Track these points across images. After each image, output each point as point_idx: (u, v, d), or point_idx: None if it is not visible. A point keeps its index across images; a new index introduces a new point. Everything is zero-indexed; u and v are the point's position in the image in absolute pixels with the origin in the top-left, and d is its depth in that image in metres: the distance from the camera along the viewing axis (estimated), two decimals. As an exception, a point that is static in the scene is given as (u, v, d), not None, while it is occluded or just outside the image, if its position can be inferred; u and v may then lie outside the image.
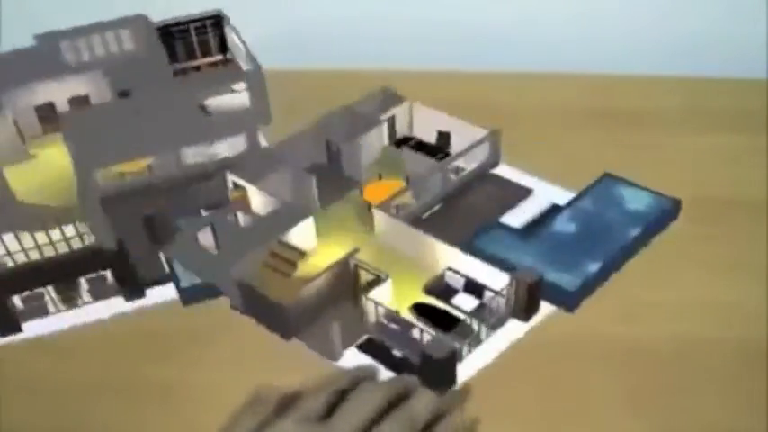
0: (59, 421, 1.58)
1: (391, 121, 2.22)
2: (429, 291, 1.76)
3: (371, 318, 1.67)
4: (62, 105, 2.05)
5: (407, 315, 1.70)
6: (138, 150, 1.91)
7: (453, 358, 1.54)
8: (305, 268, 1.77)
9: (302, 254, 1.77)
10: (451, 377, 1.56)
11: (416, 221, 1.96)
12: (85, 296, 1.86)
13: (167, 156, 1.87)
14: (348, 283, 1.73)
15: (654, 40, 2.61)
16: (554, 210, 2.02)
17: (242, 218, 1.90)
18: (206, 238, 1.85)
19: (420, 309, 1.72)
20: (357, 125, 2.13)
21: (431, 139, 2.24)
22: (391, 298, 1.73)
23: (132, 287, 1.86)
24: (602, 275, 1.83)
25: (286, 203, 1.87)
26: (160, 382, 1.64)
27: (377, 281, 1.69)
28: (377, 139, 2.15)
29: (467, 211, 2.04)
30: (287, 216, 1.83)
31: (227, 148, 1.91)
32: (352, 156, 2.08)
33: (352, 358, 1.66)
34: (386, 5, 2.63)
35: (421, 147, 2.19)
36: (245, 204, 1.95)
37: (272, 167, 1.99)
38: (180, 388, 1.62)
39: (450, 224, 1.99)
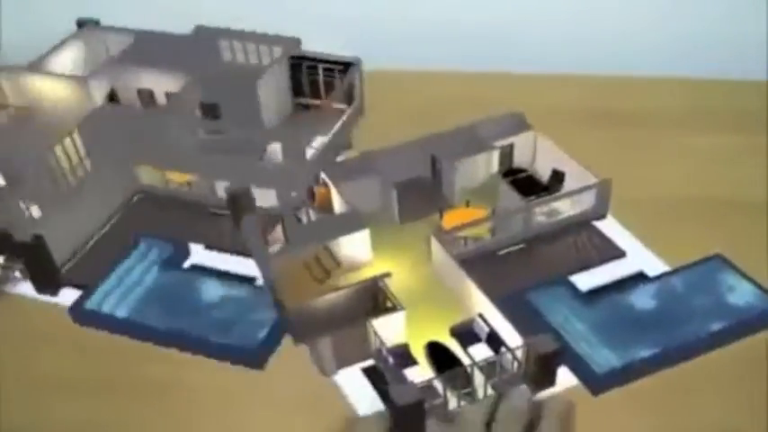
0: (58, 417, 1.63)
1: (508, 150, 2.13)
2: (454, 332, 1.70)
3: (372, 345, 1.65)
4: (160, 96, 2.19)
5: (421, 351, 1.66)
6: (176, 164, 2.03)
7: (419, 408, 1.47)
8: (345, 278, 1.78)
9: (338, 264, 1.78)
10: (417, 428, 1.50)
11: (486, 257, 1.89)
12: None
13: (202, 180, 2.00)
14: (371, 305, 1.72)
15: (654, 42, 2.55)
16: (639, 279, 1.84)
17: (312, 215, 1.94)
18: (275, 228, 1.92)
19: (433, 348, 1.66)
20: (469, 146, 2.08)
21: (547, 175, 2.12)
22: (414, 331, 1.69)
23: (45, 282, 1.85)
24: (653, 365, 1.64)
25: (348, 211, 1.88)
26: (158, 381, 1.68)
27: (389, 310, 1.66)
28: (484, 164, 2.08)
29: (546, 258, 1.92)
30: (343, 224, 1.84)
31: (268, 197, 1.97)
32: (450, 177, 2.04)
33: (349, 379, 1.65)
34: (386, 6, 2.65)
35: (528, 182, 2.08)
36: (325, 202, 2.00)
37: (363, 172, 2.01)
38: (177, 387, 1.67)
39: (520, 268, 1.89)
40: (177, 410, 1.62)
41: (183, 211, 2.09)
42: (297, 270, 1.76)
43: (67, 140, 1.94)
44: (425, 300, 1.77)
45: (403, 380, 1.57)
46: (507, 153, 2.13)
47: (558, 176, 2.07)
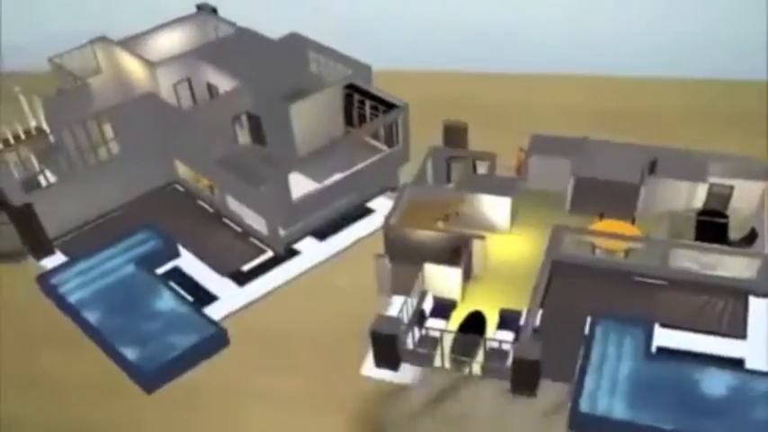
0: (56, 415, 1.71)
1: (726, 191, 1.98)
2: (502, 313, 1.79)
3: (419, 285, 1.82)
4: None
5: (462, 314, 1.80)
6: (195, 166, 2.12)
7: (392, 340, 1.65)
8: (457, 228, 1.93)
9: (457, 214, 1.94)
10: (391, 357, 1.69)
11: (614, 273, 1.85)
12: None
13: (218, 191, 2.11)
14: (451, 256, 1.85)
15: (654, 42, 2.57)
16: (732, 365, 1.68)
17: (489, 169, 2.09)
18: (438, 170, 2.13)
19: (472, 316, 1.78)
20: (683, 170, 1.99)
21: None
22: (476, 297, 1.84)
23: (33, 246, 2.00)
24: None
25: (518, 178, 2.03)
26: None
27: (449, 264, 1.80)
28: (686, 194, 1.98)
29: (668, 304, 1.81)
30: (494, 187, 1.98)
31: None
32: (646, 194, 1.99)
33: (395, 302, 1.82)
34: (386, 6, 2.58)
35: (717, 229, 1.92)
36: (519, 163, 2.12)
37: (563, 153, 2.07)
38: (174, 385, 1.76)
39: (631, 298, 1.82)
40: (175, 408, 1.73)
41: (200, 212, 2.17)
42: (426, 204, 1.96)
43: (91, 122, 2.05)
44: (512, 279, 1.86)
45: (418, 323, 1.74)
46: (721, 194, 1.98)
47: (752, 236, 1.88)
